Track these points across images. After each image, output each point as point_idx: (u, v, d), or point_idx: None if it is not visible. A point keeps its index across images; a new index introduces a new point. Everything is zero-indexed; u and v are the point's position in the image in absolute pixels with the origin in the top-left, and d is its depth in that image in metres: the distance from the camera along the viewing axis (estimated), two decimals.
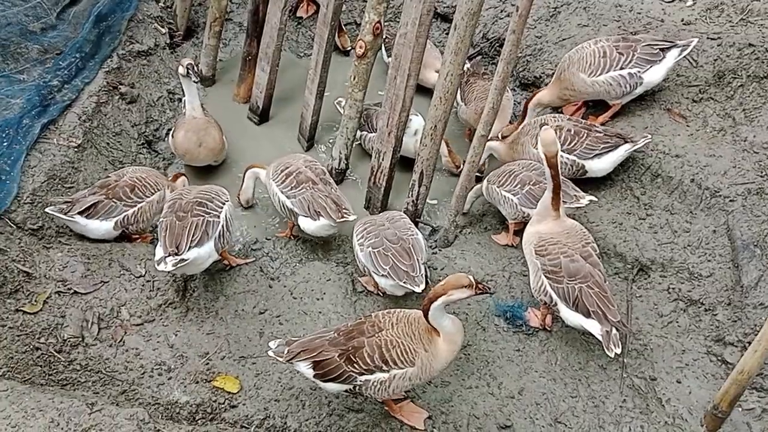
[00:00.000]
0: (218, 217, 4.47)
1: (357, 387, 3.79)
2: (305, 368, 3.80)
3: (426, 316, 3.70)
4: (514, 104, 6.21)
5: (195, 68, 5.30)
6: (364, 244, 4.50)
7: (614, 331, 4.06)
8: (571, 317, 4.23)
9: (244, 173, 5.39)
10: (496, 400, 4.23)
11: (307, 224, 4.88)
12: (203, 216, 4.39)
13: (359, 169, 5.90)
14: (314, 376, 3.79)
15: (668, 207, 4.94)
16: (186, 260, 4.20)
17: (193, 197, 4.52)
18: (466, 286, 3.60)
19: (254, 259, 4.85)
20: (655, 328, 4.55)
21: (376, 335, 3.74)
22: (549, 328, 4.53)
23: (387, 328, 3.77)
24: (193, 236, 4.28)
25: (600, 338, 4.07)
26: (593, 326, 4.12)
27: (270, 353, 3.87)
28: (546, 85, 5.86)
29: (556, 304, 4.27)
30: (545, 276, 4.28)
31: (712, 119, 5.27)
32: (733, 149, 5.02)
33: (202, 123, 5.55)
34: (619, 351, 4.01)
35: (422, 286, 4.25)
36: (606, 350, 4.03)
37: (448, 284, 3.61)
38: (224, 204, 4.59)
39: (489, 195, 5.12)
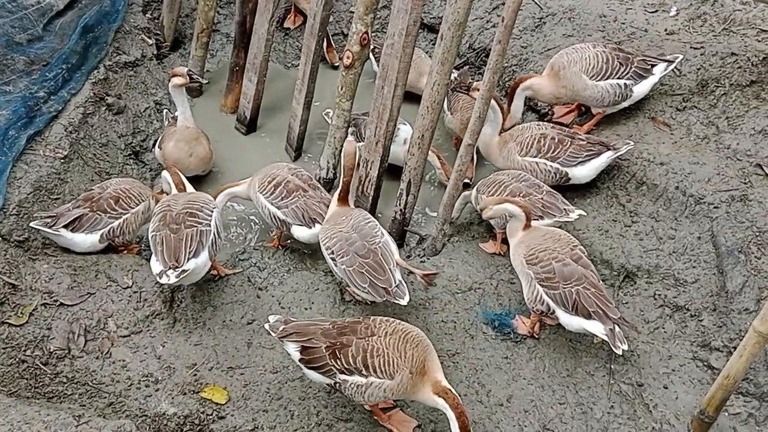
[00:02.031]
0: (209, 225, 4.49)
1: (336, 384, 3.81)
2: (293, 350, 3.84)
3: (432, 391, 3.70)
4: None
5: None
6: (337, 261, 4.42)
7: (617, 328, 4.09)
8: (572, 321, 4.24)
9: (215, 196, 5.11)
10: (484, 408, 4.24)
11: (302, 232, 4.87)
12: (196, 226, 4.40)
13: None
14: (300, 360, 3.84)
15: (653, 214, 4.99)
16: (187, 271, 4.22)
17: (182, 207, 4.51)
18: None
19: (242, 270, 4.84)
20: (641, 334, 4.58)
21: (366, 338, 3.75)
22: (537, 336, 4.55)
23: (379, 335, 3.77)
24: (190, 248, 4.30)
25: (605, 338, 4.09)
26: (596, 327, 4.14)
27: (266, 326, 3.93)
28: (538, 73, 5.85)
29: (554, 312, 4.29)
30: (540, 285, 4.29)
31: (696, 127, 5.33)
32: (716, 157, 5.07)
33: (193, 133, 5.57)
34: (626, 347, 4.04)
35: (407, 298, 4.19)
36: (613, 348, 4.05)
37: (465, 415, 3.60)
38: (213, 211, 4.60)
39: (478, 204, 5.14)
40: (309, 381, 4.19)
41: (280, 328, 3.89)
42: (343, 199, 4.73)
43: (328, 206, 4.81)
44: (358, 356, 3.71)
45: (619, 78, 5.34)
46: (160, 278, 4.20)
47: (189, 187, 5.01)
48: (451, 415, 3.61)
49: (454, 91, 5.65)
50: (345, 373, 3.74)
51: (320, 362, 3.76)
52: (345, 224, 4.53)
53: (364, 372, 3.71)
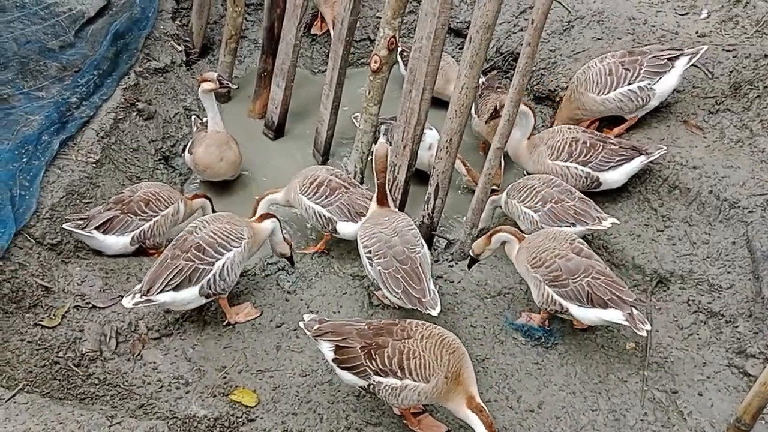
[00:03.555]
0: (212, 265, 4.27)
1: (370, 386, 3.78)
2: (327, 350, 3.83)
3: (465, 405, 3.67)
4: None
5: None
6: (373, 261, 4.41)
7: (635, 311, 4.06)
8: (588, 314, 4.20)
9: (257, 203, 5.22)
10: (515, 414, 4.19)
11: (349, 228, 4.90)
12: (194, 262, 4.24)
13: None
14: (333, 360, 3.82)
15: (686, 218, 4.91)
16: (153, 302, 4.17)
17: (200, 237, 4.34)
18: None
19: (260, 313, 4.59)
20: (675, 340, 4.50)
21: (403, 341, 3.73)
22: (549, 327, 4.52)
23: (416, 338, 3.74)
24: (171, 280, 4.18)
25: (625, 323, 4.07)
26: (614, 315, 4.12)
27: (301, 324, 3.93)
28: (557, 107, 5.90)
29: (567, 310, 4.24)
30: (549, 286, 4.26)
31: (729, 130, 5.25)
32: (751, 160, 4.99)
33: (223, 138, 5.62)
34: (649, 327, 4.03)
35: (438, 309, 4.15)
36: (636, 331, 4.03)
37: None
38: (229, 251, 4.34)
39: (508, 209, 5.10)
40: (338, 384, 4.18)
41: (315, 327, 3.88)
42: (382, 201, 4.73)
43: (370, 201, 4.83)
44: (393, 358, 3.69)
45: (629, 84, 5.29)
46: (123, 298, 4.17)
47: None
48: None
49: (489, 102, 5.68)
50: (380, 375, 3.72)
51: (355, 362, 3.74)
52: (386, 226, 4.51)
53: (399, 374, 3.69)
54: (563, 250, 4.27)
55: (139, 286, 4.22)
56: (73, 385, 4.12)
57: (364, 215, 4.80)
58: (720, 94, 5.43)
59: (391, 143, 5.59)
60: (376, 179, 4.69)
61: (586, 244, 4.37)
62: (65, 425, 3.48)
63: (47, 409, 3.59)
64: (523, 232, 4.80)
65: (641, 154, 5.03)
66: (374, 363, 3.70)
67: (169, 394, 4.16)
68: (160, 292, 4.18)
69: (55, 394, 4.01)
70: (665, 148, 5.05)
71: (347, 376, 3.83)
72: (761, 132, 5.13)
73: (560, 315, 4.37)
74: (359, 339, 3.76)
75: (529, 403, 4.23)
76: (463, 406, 3.70)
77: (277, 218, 4.76)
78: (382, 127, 5.78)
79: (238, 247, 4.41)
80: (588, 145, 5.09)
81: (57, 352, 4.24)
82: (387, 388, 3.73)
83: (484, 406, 3.66)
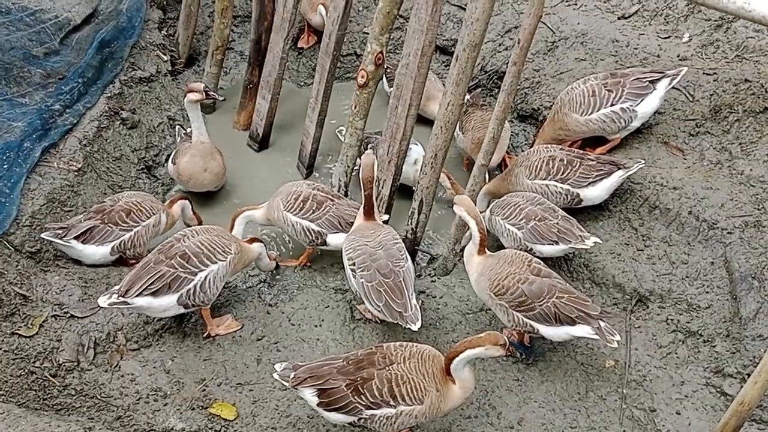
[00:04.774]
0: (194, 275, 4.24)
1: (362, 420, 3.70)
2: (310, 395, 3.71)
3: (449, 363, 3.64)
4: (512, 135, 6.29)
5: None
6: (357, 273, 4.38)
7: (602, 323, 4.12)
8: (558, 333, 4.23)
9: (234, 219, 5.14)
10: (495, 431, 4.19)
11: (339, 239, 4.86)
12: (176, 269, 4.21)
13: (359, 197, 5.91)
14: (318, 404, 3.70)
15: (666, 238, 4.97)
16: (129, 305, 4.12)
17: (187, 245, 4.32)
18: (501, 345, 3.57)
19: (241, 326, 4.58)
20: (654, 359, 4.54)
21: (387, 368, 3.67)
22: (528, 344, 4.54)
23: (398, 362, 3.70)
24: (150, 285, 4.13)
25: (595, 337, 4.12)
26: (583, 330, 4.16)
27: (275, 376, 3.80)
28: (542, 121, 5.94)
29: (537, 330, 4.27)
30: (516, 311, 4.27)
31: (709, 152, 5.33)
32: (729, 182, 5.06)
33: (208, 148, 5.61)
34: (619, 338, 4.09)
35: (419, 324, 4.14)
36: (607, 344, 4.07)
37: (485, 339, 3.57)
38: (213, 263, 4.32)
39: (492, 226, 5.11)
40: None
41: (292, 376, 3.73)
42: (368, 213, 4.68)
43: (358, 210, 4.80)
44: (383, 388, 3.62)
45: (612, 105, 5.36)
46: (100, 297, 4.12)
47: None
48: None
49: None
50: (372, 408, 3.64)
51: (342, 402, 3.64)
52: (372, 239, 4.49)
53: (392, 402, 3.63)
54: (523, 274, 4.26)
55: (117, 287, 4.16)
56: (49, 395, 4.07)
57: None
58: (700, 117, 5.51)
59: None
60: (363, 191, 4.66)
61: (543, 263, 4.37)
62: None
63: (23, 419, 3.53)
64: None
65: (619, 168, 5.07)
66: (364, 398, 3.63)
67: (146, 406, 4.12)
68: (137, 295, 4.12)
69: (31, 405, 3.95)
70: (643, 161, 5.10)
71: (335, 417, 3.73)
72: (740, 155, 5.22)
73: (532, 335, 4.39)
74: (342, 377, 3.66)
75: (509, 420, 4.24)
76: (454, 387, 3.69)
77: (263, 243, 4.78)
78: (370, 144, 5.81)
79: (223, 260, 4.38)
80: (565, 162, 5.13)
81: (34, 362, 4.19)
82: (381, 418, 3.67)
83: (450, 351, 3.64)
